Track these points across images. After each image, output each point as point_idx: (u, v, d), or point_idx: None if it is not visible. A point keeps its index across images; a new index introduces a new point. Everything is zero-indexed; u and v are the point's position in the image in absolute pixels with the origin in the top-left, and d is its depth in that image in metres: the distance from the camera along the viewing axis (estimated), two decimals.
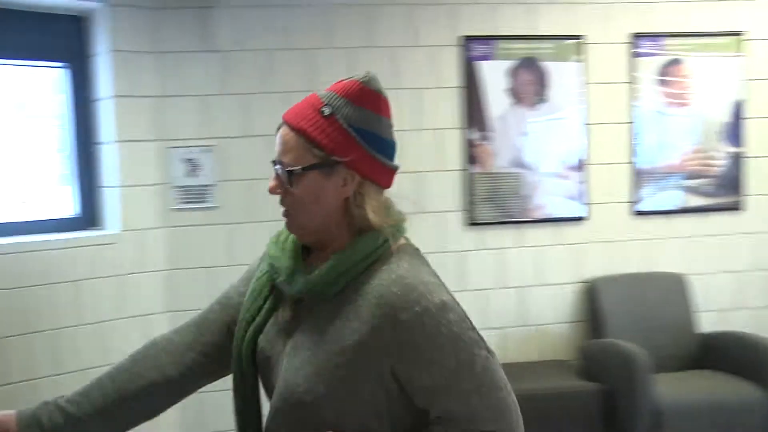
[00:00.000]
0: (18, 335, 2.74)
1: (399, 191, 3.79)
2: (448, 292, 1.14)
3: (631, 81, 3.39)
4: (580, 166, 3.31)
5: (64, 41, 3.02)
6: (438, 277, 1.18)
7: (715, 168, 3.38)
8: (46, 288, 2.78)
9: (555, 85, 3.21)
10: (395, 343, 1.07)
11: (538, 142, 3.24)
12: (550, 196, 3.23)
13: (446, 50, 3.17)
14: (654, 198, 3.40)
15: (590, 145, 3.36)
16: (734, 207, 3.44)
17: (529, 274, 3.37)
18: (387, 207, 1.22)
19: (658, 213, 3.43)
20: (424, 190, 3.21)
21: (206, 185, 3.02)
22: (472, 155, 3.18)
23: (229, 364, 1.26)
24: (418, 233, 3.72)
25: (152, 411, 1.28)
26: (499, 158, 3.20)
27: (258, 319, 1.24)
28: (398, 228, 1.22)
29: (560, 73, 3.24)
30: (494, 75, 3.16)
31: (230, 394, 1.26)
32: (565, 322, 3.42)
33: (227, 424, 1.42)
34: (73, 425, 1.20)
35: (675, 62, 3.34)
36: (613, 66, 3.38)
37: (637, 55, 3.33)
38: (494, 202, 3.21)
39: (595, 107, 3.34)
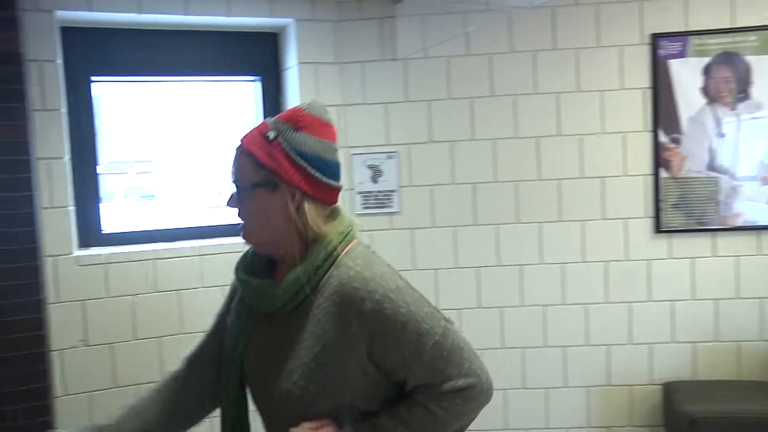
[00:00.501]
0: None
1: (582, 196, 3.61)
2: (401, 278, 1.36)
3: None
4: None
5: (257, 56, 3.50)
6: (390, 266, 1.38)
7: None
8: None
9: (758, 80, 2.96)
10: (365, 331, 1.29)
11: (737, 144, 3.10)
12: (750, 202, 3.02)
13: (634, 49, 3.18)
14: None
15: None
16: None
17: (723, 286, 3.41)
18: (332, 217, 1.39)
19: None
20: (608, 195, 3.19)
21: (388, 191, 3.10)
22: (661, 159, 3.00)
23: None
24: (601, 239, 3.61)
25: None
26: (691, 162, 3.05)
27: (242, 341, 1.44)
28: (345, 233, 1.38)
29: (765, 68, 3.08)
30: (687, 73, 3.03)
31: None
32: (765, 340, 3.28)
33: None
34: None
35: None
36: None
37: None
38: (685, 208, 3.05)
39: None
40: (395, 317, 1.28)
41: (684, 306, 3.35)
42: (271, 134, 1.34)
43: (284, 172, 1.32)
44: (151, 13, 3.07)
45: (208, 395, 1.52)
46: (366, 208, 3.37)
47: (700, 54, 3.25)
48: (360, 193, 3.37)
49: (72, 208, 2.98)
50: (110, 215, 3.36)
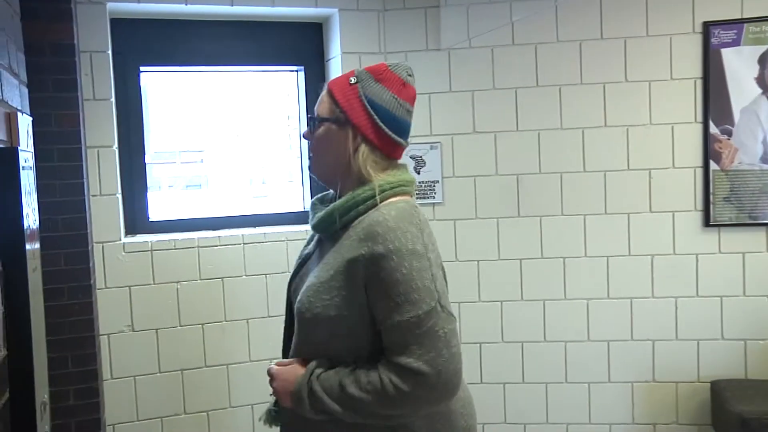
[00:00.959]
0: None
1: (628, 188, 3.53)
2: (425, 248, 1.39)
3: None
4: None
5: (301, 46, 3.51)
6: (424, 233, 1.41)
7: None
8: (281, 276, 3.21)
9: None
10: (368, 271, 1.37)
11: None
12: None
13: (684, 38, 3.07)
14: None
15: None
16: None
17: None
18: (385, 167, 1.48)
19: None
20: (655, 188, 3.15)
21: (431, 181, 3.07)
22: (711, 151, 2.91)
23: None
24: (648, 232, 3.52)
25: None
26: (743, 154, 2.96)
27: (300, 260, 1.62)
28: (395, 185, 1.46)
29: None
30: (741, 63, 2.96)
31: None
32: None
33: None
34: None
35: None
36: None
37: None
38: (736, 201, 2.97)
39: None
40: (393, 272, 1.35)
41: (734, 302, 3.25)
42: (353, 79, 1.49)
43: (352, 113, 1.46)
44: (197, 4, 3.09)
45: None
46: (410, 204, 3.32)
47: (756, 42, 3.12)
48: None
49: (120, 196, 3.03)
50: (157, 204, 3.41)
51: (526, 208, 3.32)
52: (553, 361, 3.35)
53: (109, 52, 2.98)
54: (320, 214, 1.49)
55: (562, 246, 3.31)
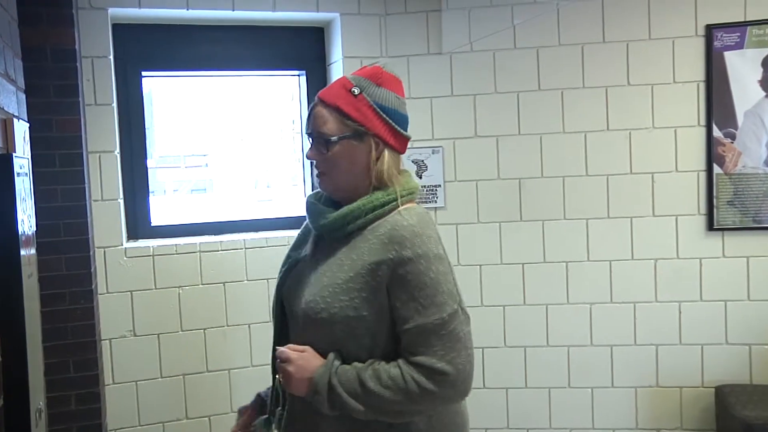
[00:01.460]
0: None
1: (631, 192, 3.48)
2: (444, 251, 1.46)
3: None
4: None
5: (302, 51, 3.49)
6: (440, 237, 1.48)
7: None
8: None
9: None
10: (395, 274, 1.39)
11: None
12: None
13: (687, 41, 3.06)
14: None
15: None
16: None
17: None
18: (401, 171, 1.53)
19: None
20: (658, 191, 3.13)
21: (433, 186, 3.05)
22: (714, 154, 2.89)
23: None
24: (651, 236, 3.48)
25: None
26: (747, 157, 2.92)
27: (292, 259, 1.60)
28: (410, 191, 1.50)
29: None
30: (744, 66, 2.94)
31: None
32: None
33: None
34: None
35: None
36: None
37: None
38: (740, 205, 2.94)
39: None
40: (421, 276, 1.38)
41: (738, 307, 3.21)
42: (356, 90, 1.46)
43: (371, 124, 1.45)
44: (199, 9, 3.08)
45: None
46: (426, 210, 3.30)
47: (760, 45, 3.08)
48: None
49: (121, 201, 3.02)
50: (161, 208, 3.40)
51: (528, 212, 3.29)
52: (556, 366, 3.32)
53: (111, 57, 2.97)
54: (333, 215, 1.47)
55: (565, 250, 3.28)
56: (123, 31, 3.13)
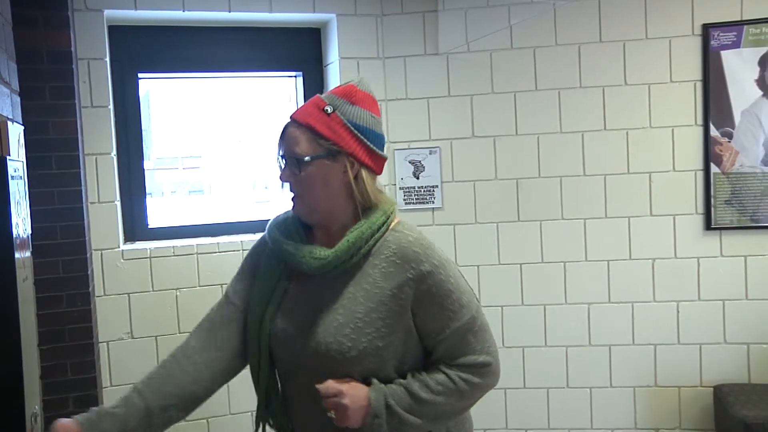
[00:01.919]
0: None
1: (628, 192, 3.47)
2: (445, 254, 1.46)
3: None
4: None
5: (299, 52, 3.47)
6: None
7: None
8: None
9: None
10: (419, 291, 1.38)
11: None
12: None
13: (684, 41, 3.07)
14: None
15: None
16: None
17: None
18: (381, 189, 1.48)
19: None
20: (655, 191, 3.14)
21: (430, 186, 3.05)
22: (712, 154, 2.88)
23: (243, 355, 1.54)
24: (648, 236, 3.47)
25: (185, 411, 1.51)
26: (744, 156, 2.92)
27: (273, 299, 1.48)
28: (393, 206, 1.47)
29: None
30: (741, 65, 2.93)
31: None
32: None
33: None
34: None
35: None
36: None
37: None
38: (738, 204, 2.94)
39: None
40: (445, 285, 1.39)
41: (736, 306, 3.20)
42: (329, 108, 1.41)
43: (344, 143, 1.39)
44: (195, 10, 3.07)
45: (226, 359, 1.54)
46: (408, 203, 3.31)
47: (756, 44, 3.08)
48: (402, 188, 3.31)
49: (118, 203, 3.01)
50: (159, 210, 3.39)
51: (525, 212, 3.29)
52: (554, 366, 3.31)
53: (107, 59, 2.96)
54: (331, 253, 1.39)
55: (563, 250, 3.28)
56: (119, 33, 3.12)
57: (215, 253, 3.10)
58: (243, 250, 3.13)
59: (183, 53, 3.26)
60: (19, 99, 1.77)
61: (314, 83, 3.42)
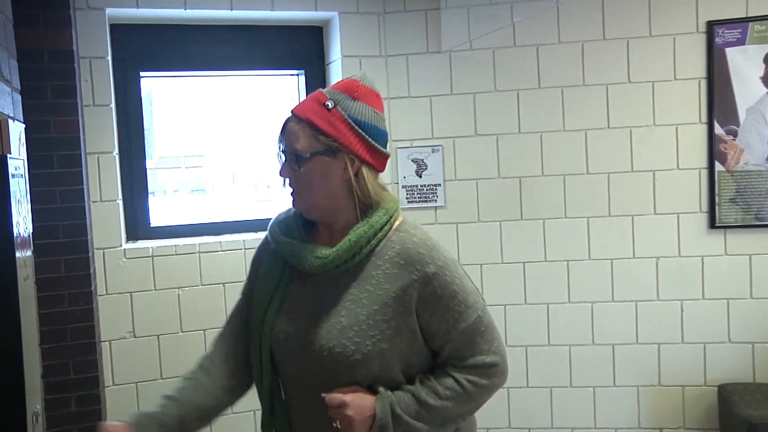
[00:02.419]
0: None
1: (632, 190, 3.45)
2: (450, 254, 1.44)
3: None
4: None
5: (301, 50, 3.47)
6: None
7: None
8: None
9: None
10: (423, 292, 1.35)
11: None
12: None
13: (688, 38, 3.09)
14: None
15: None
16: None
17: None
18: (383, 187, 1.44)
19: None
20: (659, 189, 3.19)
21: (433, 185, 3.03)
22: (716, 152, 2.87)
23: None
24: (652, 235, 3.46)
25: (213, 417, 1.51)
26: (749, 154, 2.92)
27: (274, 300, 1.45)
28: (397, 205, 1.44)
29: None
30: (746, 62, 2.94)
31: None
32: None
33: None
34: None
35: None
36: None
37: None
38: (742, 203, 2.91)
39: None
40: (450, 286, 1.36)
41: (741, 305, 3.18)
42: (330, 103, 1.37)
43: (345, 139, 1.36)
44: (197, 8, 3.06)
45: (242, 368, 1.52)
46: (410, 202, 3.30)
47: (762, 41, 3.06)
48: (404, 187, 3.30)
49: (120, 202, 3.00)
50: (162, 209, 3.38)
51: (528, 210, 3.27)
52: (557, 365, 3.30)
53: (109, 57, 2.95)
54: (333, 252, 1.36)
55: (566, 249, 3.26)
56: (121, 32, 3.11)
57: (217, 251, 3.10)
58: (245, 249, 3.12)
59: (185, 51, 3.25)
60: (20, 97, 1.77)
61: (316, 81, 3.41)
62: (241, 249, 3.12)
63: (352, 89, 1.39)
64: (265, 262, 1.51)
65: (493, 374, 1.42)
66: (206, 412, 1.47)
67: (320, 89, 1.43)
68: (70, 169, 2.72)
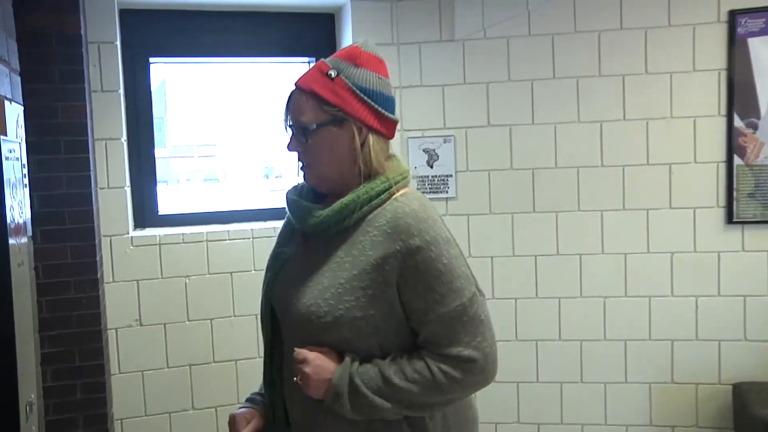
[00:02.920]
0: None
1: (647, 183, 3.35)
2: (449, 232, 1.36)
3: None
4: None
5: (312, 37, 3.39)
6: (442, 220, 1.38)
7: None
8: None
9: None
10: (405, 265, 1.29)
11: None
12: None
13: (708, 28, 3.04)
14: None
15: None
16: None
17: None
18: (388, 154, 1.40)
19: None
20: (675, 183, 3.14)
21: (444, 175, 2.96)
22: (735, 145, 2.77)
23: None
24: (667, 229, 3.36)
25: None
26: None
27: (278, 261, 1.45)
28: (404, 176, 1.39)
29: None
30: None
31: None
32: None
33: None
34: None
35: None
36: None
37: None
38: (762, 197, 2.83)
39: None
40: (435, 263, 1.28)
41: (757, 302, 3.07)
42: (333, 72, 1.34)
43: (350, 108, 1.33)
44: None
45: None
46: (421, 193, 3.21)
47: None
48: (415, 177, 3.21)
49: (128, 189, 2.95)
50: (173, 197, 3.34)
51: (541, 203, 3.18)
52: (568, 361, 3.21)
53: (118, 43, 2.89)
54: (325, 212, 1.34)
55: (579, 242, 3.17)
56: (131, 17, 3.05)
57: (225, 240, 3.04)
58: (253, 238, 3.07)
59: (195, 38, 3.18)
60: (19, 79, 1.71)
61: None
62: (249, 238, 3.06)
63: (354, 56, 1.36)
64: (282, 228, 1.52)
65: (468, 370, 1.31)
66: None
67: (322, 59, 1.39)
68: (77, 154, 2.65)
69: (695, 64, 3.06)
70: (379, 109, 1.35)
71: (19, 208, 1.49)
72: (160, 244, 2.96)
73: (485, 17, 3.14)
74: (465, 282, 1.31)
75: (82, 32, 2.67)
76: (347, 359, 1.32)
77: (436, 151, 3.21)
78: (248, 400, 1.52)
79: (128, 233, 2.93)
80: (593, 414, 3.23)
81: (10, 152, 1.44)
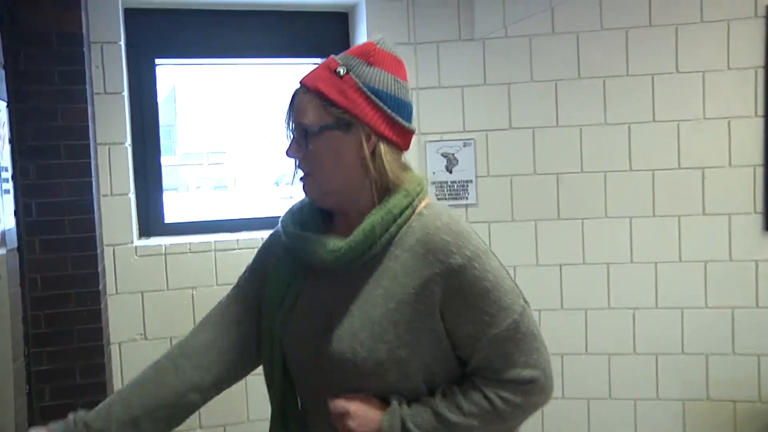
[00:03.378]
0: None
1: (679, 188, 3.06)
2: (485, 242, 1.20)
3: None
4: None
5: (326, 37, 3.24)
6: (474, 230, 1.21)
7: None
8: None
9: None
10: (447, 289, 1.13)
11: None
12: None
13: (744, 24, 2.93)
14: None
15: None
16: None
17: None
18: (404, 165, 1.23)
19: None
20: (709, 188, 2.99)
21: (464, 181, 2.79)
22: None
23: (251, 359, 1.31)
24: (700, 237, 3.11)
25: (178, 420, 1.28)
26: None
27: (287, 299, 1.24)
28: (423, 186, 1.22)
29: None
30: None
31: None
32: None
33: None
34: None
35: None
36: None
37: None
38: None
39: None
40: (480, 281, 1.13)
41: None
42: (342, 70, 1.16)
43: (359, 110, 1.15)
44: None
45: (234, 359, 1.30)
46: (440, 199, 3.03)
47: None
48: (433, 183, 3.03)
49: (132, 196, 2.78)
50: (183, 205, 3.17)
51: (566, 209, 3.00)
52: (595, 375, 3.02)
53: (122, 43, 2.73)
54: (346, 244, 1.15)
55: (606, 251, 2.98)
56: (136, 17, 2.89)
57: (234, 249, 2.86)
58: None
59: (202, 38, 3.02)
60: (3, 72, 1.53)
61: None
62: (256, 247, 2.88)
63: (368, 53, 1.18)
64: (275, 256, 1.29)
65: (529, 392, 1.18)
66: (170, 410, 1.25)
67: (332, 55, 1.21)
68: (77, 160, 2.50)
69: (729, 62, 2.88)
70: (392, 114, 1.17)
71: None
72: (165, 254, 2.78)
73: (506, 15, 2.97)
74: (513, 296, 1.17)
75: (84, 31, 2.52)
76: (394, 403, 1.15)
77: (455, 155, 3.03)
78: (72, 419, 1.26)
79: (132, 242, 2.75)
80: None
81: None
